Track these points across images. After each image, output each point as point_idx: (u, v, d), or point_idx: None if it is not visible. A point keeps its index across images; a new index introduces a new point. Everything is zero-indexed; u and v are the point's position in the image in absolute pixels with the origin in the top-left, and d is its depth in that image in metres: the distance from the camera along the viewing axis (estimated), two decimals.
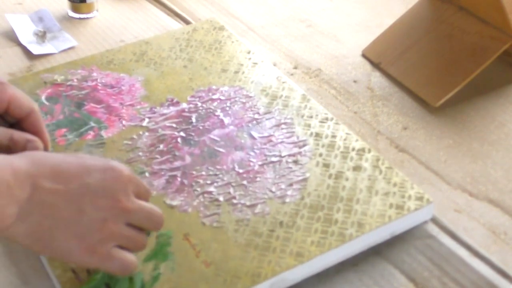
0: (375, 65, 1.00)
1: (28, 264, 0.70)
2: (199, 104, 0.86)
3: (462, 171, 0.81)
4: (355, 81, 0.97)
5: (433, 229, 0.73)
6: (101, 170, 0.59)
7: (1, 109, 0.67)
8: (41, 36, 1.05)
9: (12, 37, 1.06)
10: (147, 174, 0.76)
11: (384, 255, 0.71)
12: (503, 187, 0.79)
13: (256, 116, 0.84)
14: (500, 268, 0.69)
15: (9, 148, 0.65)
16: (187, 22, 1.10)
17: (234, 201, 0.73)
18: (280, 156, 0.78)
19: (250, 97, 0.87)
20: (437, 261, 0.70)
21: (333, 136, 0.81)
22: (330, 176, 0.75)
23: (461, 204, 0.77)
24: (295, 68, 1.00)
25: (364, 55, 1.02)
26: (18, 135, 0.66)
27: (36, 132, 0.68)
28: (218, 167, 0.77)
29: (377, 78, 0.97)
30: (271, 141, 0.80)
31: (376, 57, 1.00)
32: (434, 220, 0.74)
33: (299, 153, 0.78)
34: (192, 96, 0.88)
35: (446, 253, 0.71)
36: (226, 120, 0.83)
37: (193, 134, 0.82)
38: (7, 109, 0.67)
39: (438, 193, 0.78)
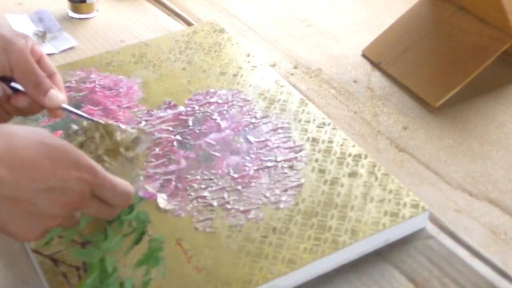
0: (375, 65, 0.99)
1: (28, 264, 0.71)
2: (197, 107, 0.86)
3: (462, 171, 0.81)
4: (355, 81, 0.96)
5: (433, 229, 0.73)
6: (67, 168, 0.60)
7: (36, 57, 0.72)
8: (41, 36, 1.05)
9: None
10: (141, 178, 0.76)
11: (384, 255, 0.71)
12: (503, 187, 0.79)
13: (253, 120, 0.84)
14: (500, 268, 0.69)
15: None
16: (187, 22, 1.10)
17: (228, 206, 0.72)
18: (276, 161, 0.78)
19: (248, 100, 0.87)
20: (437, 261, 0.70)
21: (330, 142, 0.80)
22: (325, 182, 0.75)
23: (461, 204, 0.77)
24: (295, 68, 0.99)
25: (364, 55, 1.02)
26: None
27: None
28: (213, 171, 0.77)
29: (377, 78, 0.97)
30: (267, 145, 0.80)
31: (376, 57, 1.00)
32: (434, 220, 0.74)
33: (295, 158, 0.78)
34: (190, 99, 0.88)
35: (446, 253, 0.71)
36: (223, 124, 0.83)
37: (189, 137, 0.82)
38: (38, 62, 0.72)
39: (438, 193, 0.78)
